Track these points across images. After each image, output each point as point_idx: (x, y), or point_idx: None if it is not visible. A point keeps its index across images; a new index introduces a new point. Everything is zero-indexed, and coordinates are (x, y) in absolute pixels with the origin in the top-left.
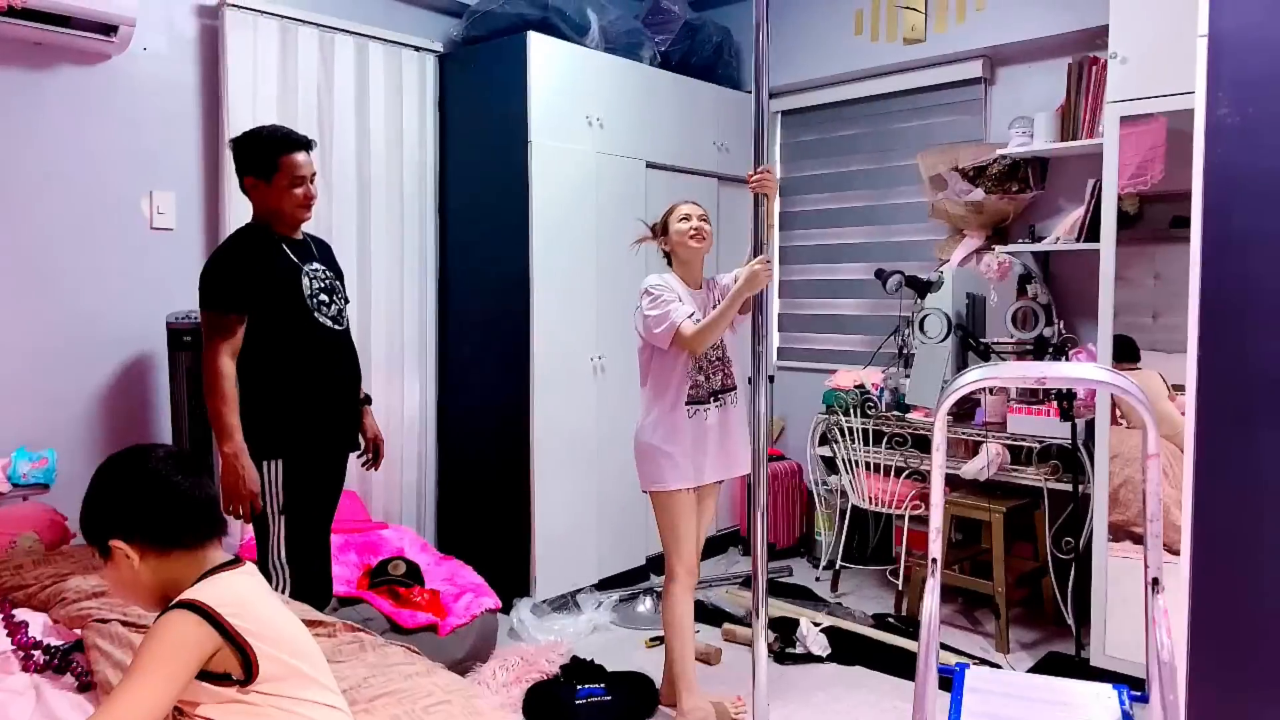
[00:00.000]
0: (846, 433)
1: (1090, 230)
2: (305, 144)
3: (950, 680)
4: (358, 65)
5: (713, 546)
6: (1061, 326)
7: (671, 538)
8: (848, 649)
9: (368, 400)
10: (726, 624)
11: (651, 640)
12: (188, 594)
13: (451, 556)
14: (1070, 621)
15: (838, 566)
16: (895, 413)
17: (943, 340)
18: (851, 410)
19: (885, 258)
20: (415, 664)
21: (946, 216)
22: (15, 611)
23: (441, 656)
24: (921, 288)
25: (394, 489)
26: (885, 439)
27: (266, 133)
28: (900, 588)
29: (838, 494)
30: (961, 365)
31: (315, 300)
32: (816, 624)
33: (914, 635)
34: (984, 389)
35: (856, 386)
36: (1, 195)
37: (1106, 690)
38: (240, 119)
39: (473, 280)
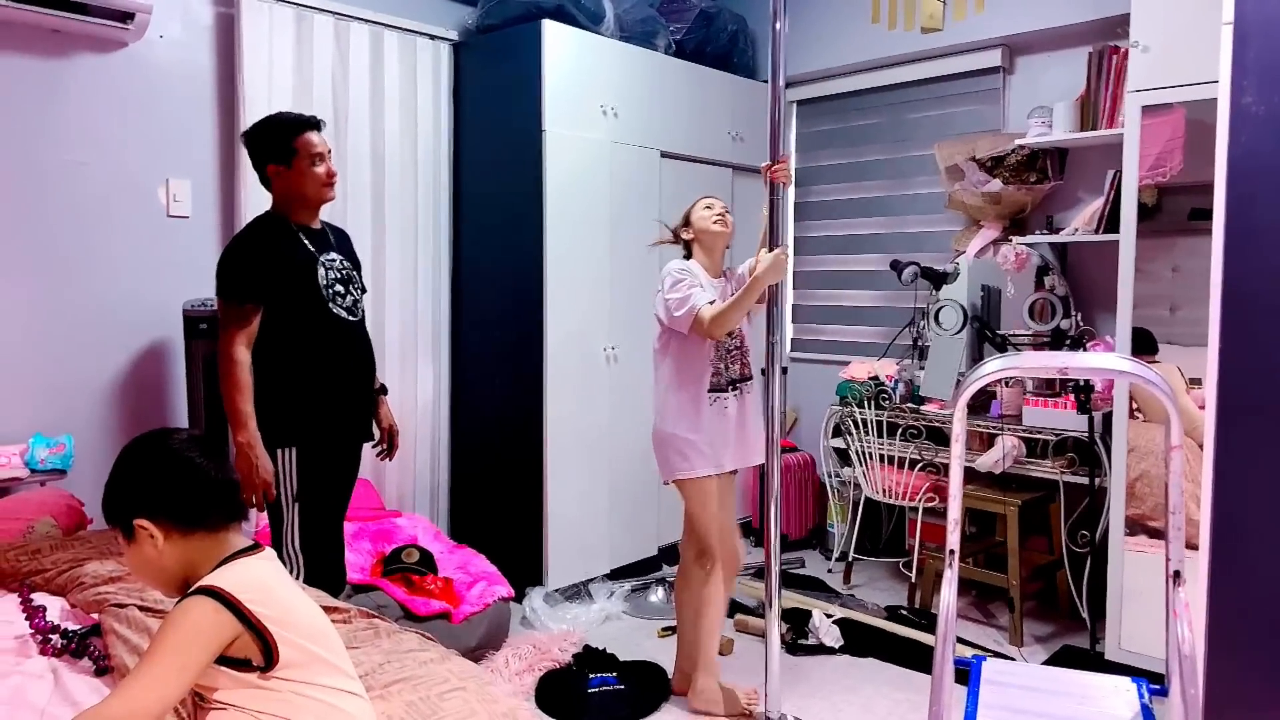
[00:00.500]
0: (860, 424)
1: (1109, 221)
2: (316, 123)
3: (965, 673)
4: (373, 53)
5: None
6: (1079, 318)
7: (703, 525)
8: (860, 640)
9: (384, 390)
10: (739, 614)
11: (664, 630)
12: (207, 580)
13: (464, 545)
14: (1085, 615)
15: (850, 558)
16: (909, 405)
17: (958, 332)
18: (865, 402)
19: (900, 249)
20: (430, 650)
21: (963, 207)
22: (33, 596)
23: (454, 644)
24: (937, 279)
25: (407, 477)
26: (899, 431)
27: (277, 119)
28: (913, 580)
29: (850, 486)
30: (977, 357)
31: (330, 291)
32: (829, 615)
33: (926, 627)
34: (1000, 381)
35: (871, 378)
36: (19, 182)
37: (1125, 683)
38: (256, 107)
39: (486, 269)
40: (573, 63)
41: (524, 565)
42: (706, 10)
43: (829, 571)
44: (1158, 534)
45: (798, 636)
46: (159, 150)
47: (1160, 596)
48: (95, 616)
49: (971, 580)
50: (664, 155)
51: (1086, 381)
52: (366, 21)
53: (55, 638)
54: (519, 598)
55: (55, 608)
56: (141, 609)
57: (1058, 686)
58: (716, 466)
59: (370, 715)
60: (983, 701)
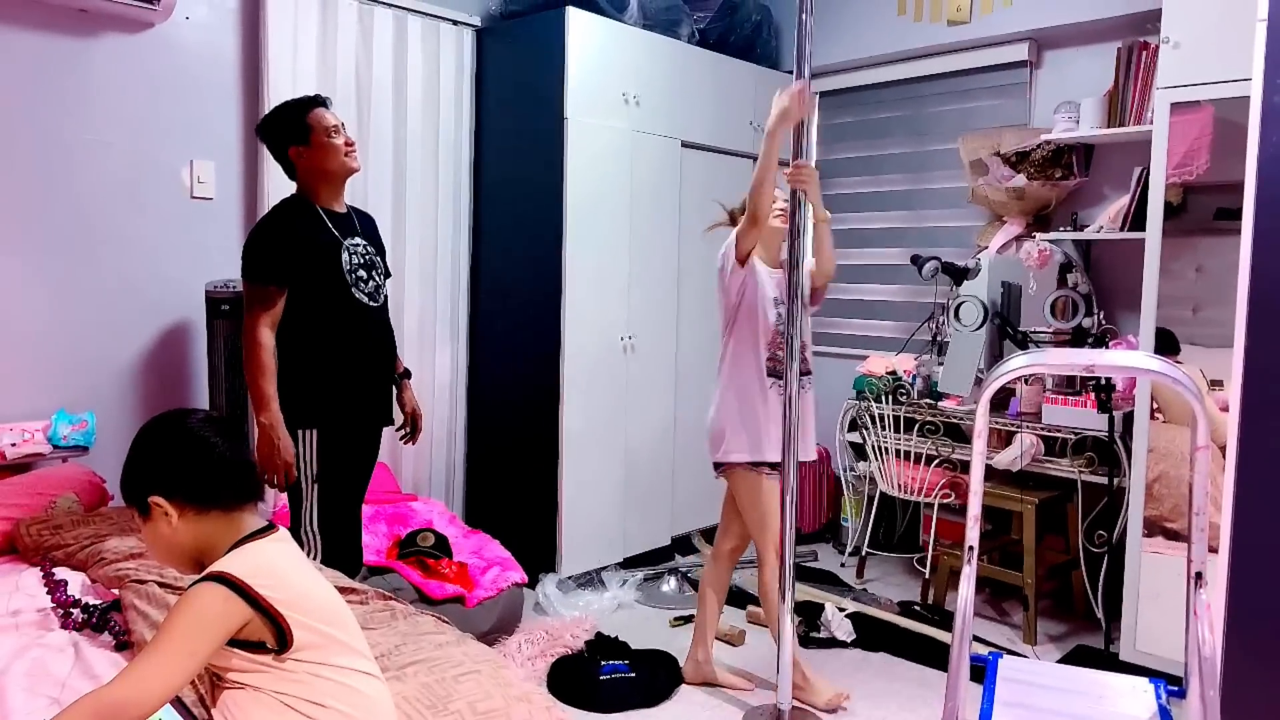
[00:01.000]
0: (877, 419)
1: (1134, 219)
2: (324, 100)
3: (980, 670)
4: (396, 38)
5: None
6: (1101, 317)
7: (759, 514)
8: (873, 635)
9: (407, 374)
10: (751, 606)
11: (676, 620)
12: (218, 565)
13: (479, 530)
14: (1100, 615)
15: (864, 553)
16: (927, 400)
17: (978, 328)
18: (883, 397)
19: (921, 243)
20: (445, 633)
21: (987, 202)
22: (55, 570)
23: (468, 628)
24: (958, 274)
25: (424, 461)
26: (916, 426)
27: (285, 104)
28: (927, 576)
29: (865, 480)
30: (996, 354)
31: (354, 275)
32: (842, 609)
33: (940, 624)
34: (1020, 378)
35: (889, 373)
36: (45, 161)
37: (1143, 684)
38: (280, 90)
39: (505, 256)
40: (596, 50)
41: (538, 551)
42: (730, 0)
43: (842, 565)
44: (1175, 535)
45: (810, 629)
46: (184, 131)
47: (1177, 598)
48: (115, 592)
49: (986, 578)
50: (685, 145)
51: (1108, 380)
52: (391, 6)
53: (76, 612)
54: (532, 583)
55: (76, 582)
56: (161, 585)
57: (1074, 685)
58: (766, 454)
59: (386, 696)
60: (999, 699)
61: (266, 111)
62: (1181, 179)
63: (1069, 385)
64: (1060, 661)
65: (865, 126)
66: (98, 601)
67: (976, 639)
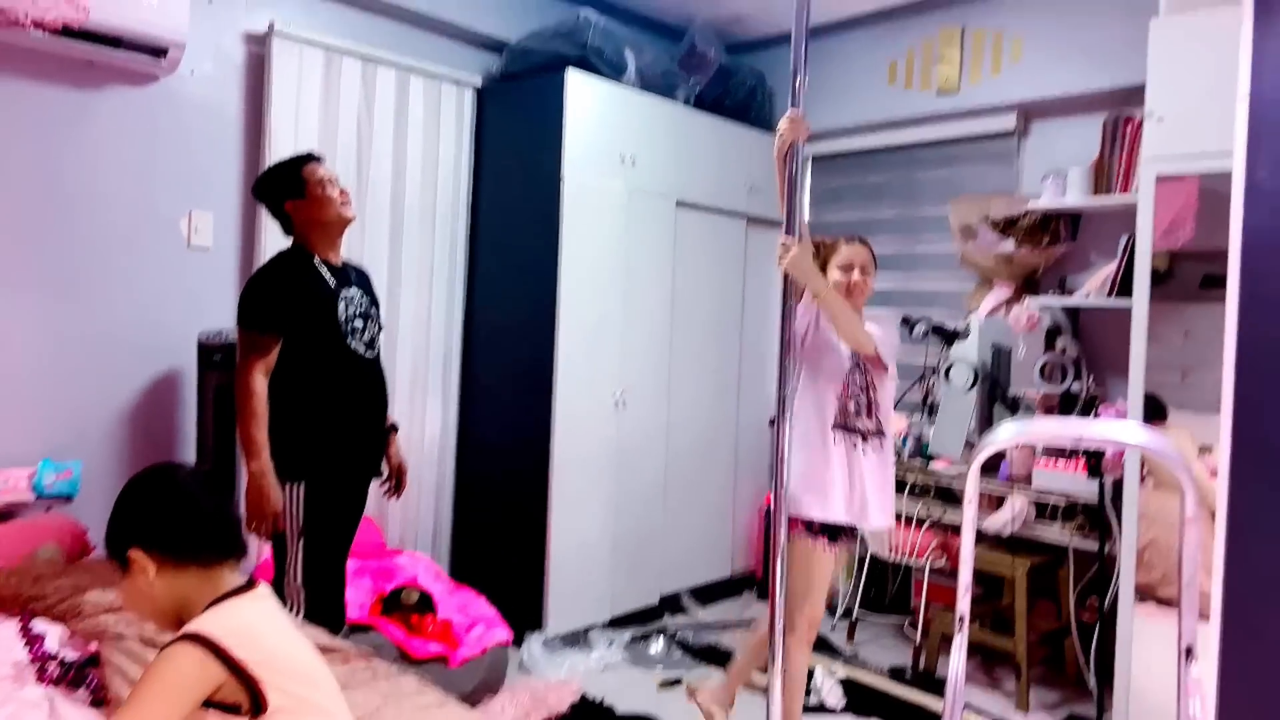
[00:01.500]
0: None
1: (1121, 286)
2: (316, 156)
3: None
4: (398, 96)
5: (729, 589)
6: (1091, 381)
7: (804, 583)
8: (863, 701)
9: (394, 428)
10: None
11: (664, 683)
12: (194, 625)
13: (465, 585)
14: (1092, 684)
15: (855, 616)
16: (919, 460)
17: (968, 390)
18: None
19: (912, 305)
20: (427, 695)
21: (976, 266)
22: (33, 623)
23: (451, 688)
24: (948, 336)
25: (411, 515)
26: (907, 488)
27: (279, 163)
28: (917, 642)
29: (857, 542)
30: (987, 416)
31: (349, 326)
32: (832, 673)
33: (931, 690)
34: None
35: None
36: (44, 207)
37: None
38: (282, 144)
39: (499, 312)
40: (594, 111)
41: (524, 608)
42: (726, 65)
43: (832, 629)
44: (1167, 602)
45: None
46: (184, 182)
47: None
48: (94, 645)
49: (977, 643)
50: (680, 204)
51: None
52: (393, 65)
53: (53, 665)
54: (518, 641)
55: (55, 635)
56: (141, 641)
57: None
58: (837, 515)
59: None
60: None
61: (266, 167)
62: (1169, 247)
63: (1060, 450)
64: None
65: (858, 190)
66: (76, 655)
67: (969, 706)
